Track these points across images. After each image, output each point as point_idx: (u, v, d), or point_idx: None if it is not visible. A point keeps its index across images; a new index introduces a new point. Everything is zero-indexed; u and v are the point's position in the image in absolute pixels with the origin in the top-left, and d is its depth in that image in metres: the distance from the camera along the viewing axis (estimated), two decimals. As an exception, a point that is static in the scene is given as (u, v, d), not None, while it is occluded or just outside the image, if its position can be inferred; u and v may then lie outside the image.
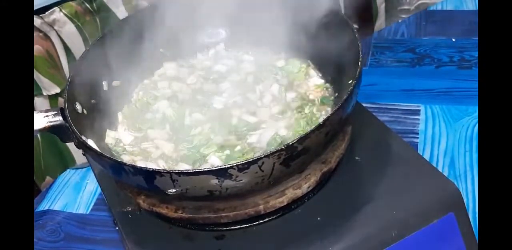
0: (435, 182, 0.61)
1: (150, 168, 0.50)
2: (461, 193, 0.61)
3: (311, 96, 0.67)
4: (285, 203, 0.58)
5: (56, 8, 0.89)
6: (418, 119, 0.92)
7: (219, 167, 0.49)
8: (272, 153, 0.49)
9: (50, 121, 0.59)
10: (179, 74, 0.74)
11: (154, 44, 0.73)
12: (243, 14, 0.73)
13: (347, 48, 0.62)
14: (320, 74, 0.70)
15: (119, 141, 0.66)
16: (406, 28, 1.12)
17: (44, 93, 0.93)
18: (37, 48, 0.88)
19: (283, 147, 0.49)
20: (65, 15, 0.89)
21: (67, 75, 0.92)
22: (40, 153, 0.98)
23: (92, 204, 0.89)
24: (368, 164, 0.64)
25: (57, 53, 0.91)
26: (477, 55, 0.65)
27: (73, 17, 0.90)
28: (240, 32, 0.76)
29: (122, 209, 0.65)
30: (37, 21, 0.87)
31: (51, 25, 0.89)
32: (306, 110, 0.65)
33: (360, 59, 0.57)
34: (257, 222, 0.60)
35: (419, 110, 0.93)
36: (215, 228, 0.61)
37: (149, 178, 0.51)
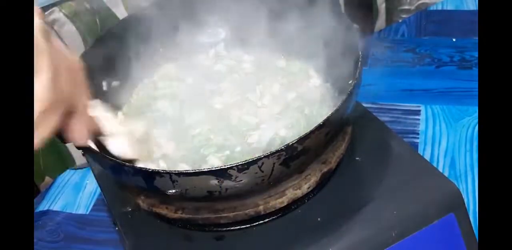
0: (436, 182, 0.61)
1: (150, 169, 0.50)
2: (462, 193, 0.61)
3: (311, 97, 0.67)
4: (285, 204, 0.58)
5: (55, 8, 0.88)
6: (419, 119, 0.91)
7: (219, 167, 0.49)
8: (272, 153, 0.49)
9: (49, 122, 0.58)
10: (179, 74, 0.74)
11: (154, 44, 0.73)
12: (243, 14, 0.73)
13: (347, 48, 0.62)
14: (320, 74, 0.70)
15: None
16: (406, 28, 1.12)
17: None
18: (37, 48, 0.88)
19: (283, 147, 0.49)
20: (65, 15, 0.89)
21: (67, 75, 0.92)
22: (39, 153, 0.98)
23: (92, 204, 0.89)
24: (368, 164, 0.64)
25: (56, 53, 0.91)
26: (477, 55, 0.65)
27: (73, 17, 0.90)
28: (240, 32, 0.76)
29: (122, 210, 0.65)
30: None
31: (50, 25, 0.89)
32: (306, 110, 0.65)
33: (360, 59, 0.57)
34: (257, 223, 0.60)
35: (420, 110, 0.93)
36: (214, 229, 0.61)
37: (148, 179, 0.51)
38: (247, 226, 0.60)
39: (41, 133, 0.42)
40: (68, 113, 0.45)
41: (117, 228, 0.66)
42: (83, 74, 0.47)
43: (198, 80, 0.72)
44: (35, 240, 0.84)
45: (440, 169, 0.80)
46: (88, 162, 0.72)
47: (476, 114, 0.89)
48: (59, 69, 0.41)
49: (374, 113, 0.71)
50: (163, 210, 0.59)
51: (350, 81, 0.59)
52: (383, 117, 0.91)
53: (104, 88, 0.68)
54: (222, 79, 0.71)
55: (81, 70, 0.46)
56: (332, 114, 0.52)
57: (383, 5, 1.21)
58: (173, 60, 0.76)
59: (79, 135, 0.48)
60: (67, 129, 0.47)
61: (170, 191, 0.52)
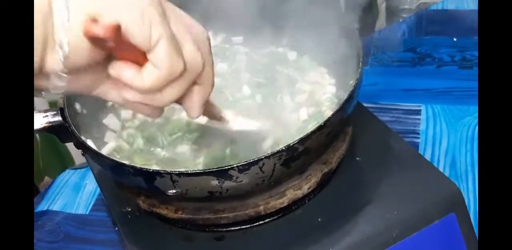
0: (436, 182, 0.61)
1: (150, 169, 0.50)
2: (462, 193, 0.61)
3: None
4: (286, 204, 0.58)
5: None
6: (419, 119, 0.91)
7: (219, 168, 0.48)
8: (273, 154, 0.49)
9: (49, 122, 0.58)
10: None
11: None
12: (245, 14, 0.73)
13: (347, 47, 0.62)
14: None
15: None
16: (407, 27, 1.12)
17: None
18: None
19: (284, 148, 0.49)
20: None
21: (67, 75, 0.92)
22: (39, 153, 0.98)
23: (91, 204, 0.89)
24: (369, 164, 0.64)
25: (56, 52, 0.91)
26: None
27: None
28: (239, 32, 0.76)
29: (122, 210, 0.65)
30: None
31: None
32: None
33: (361, 59, 0.57)
34: (257, 223, 0.60)
35: (420, 110, 0.93)
36: (215, 229, 0.60)
37: (149, 179, 0.51)
38: (248, 226, 0.60)
39: (168, 97, 0.41)
40: (192, 83, 0.44)
41: (116, 228, 0.65)
42: (209, 44, 0.45)
43: None
44: (34, 240, 0.84)
45: (441, 169, 0.79)
46: (87, 161, 0.72)
47: (477, 114, 0.89)
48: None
49: (374, 113, 0.71)
50: (163, 210, 0.59)
51: (351, 82, 0.58)
52: (384, 117, 0.91)
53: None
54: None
55: (207, 39, 0.45)
56: (333, 115, 0.51)
57: (384, 5, 1.21)
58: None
59: (194, 105, 0.46)
60: (185, 98, 0.45)
61: (171, 191, 0.52)
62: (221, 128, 0.56)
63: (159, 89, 0.41)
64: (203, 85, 0.45)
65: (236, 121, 0.56)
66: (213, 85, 0.46)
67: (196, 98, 0.45)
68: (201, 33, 0.44)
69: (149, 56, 0.39)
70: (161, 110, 0.45)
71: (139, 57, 0.39)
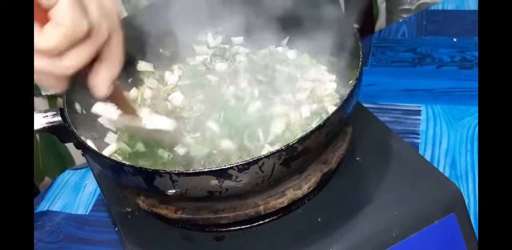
0: (436, 182, 0.61)
1: (150, 169, 0.50)
2: (462, 193, 0.61)
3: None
4: (285, 204, 0.58)
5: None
6: (419, 119, 0.91)
7: (219, 168, 0.49)
8: (273, 153, 0.49)
9: (49, 122, 0.58)
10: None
11: (153, 44, 0.73)
12: (245, 14, 0.73)
13: (347, 48, 0.62)
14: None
15: None
16: (407, 28, 1.12)
17: (43, 94, 0.93)
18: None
19: (283, 147, 0.49)
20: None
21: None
22: (39, 153, 0.98)
23: (92, 204, 0.89)
24: (368, 164, 0.64)
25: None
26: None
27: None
28: (239, 32, 0.76)
29: (122, 210, 0.65)
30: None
31: None
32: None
33: (360, 59, 0.57)
34: (257, 223, 0.60)
35: (420, 110, 0.93)
36: (215, 229, 0.60)
37: (148, 179, 0.51)
38: (247, 226, 0.60)
39: (71, 62, 0.39)
40: (98, 56, 0.42)
41: (116, 229, 0.65)
42: (118, 18, 0.43)
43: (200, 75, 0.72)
44: (34, 241, 0.84)
45: (441, 169, 0.79)
46: (87, 162, 0.72)
47: (477, 114, 0.89)
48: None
49: (374, 114, 0.71)
50: (163, 210, 0.59)
51: (351, 81, 0.58)
52: (384, 118, 0.91)
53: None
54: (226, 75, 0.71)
55: (116, 13, 0.43)
56: (332, 114, 0.51)
57: (384, 5, 1.21)
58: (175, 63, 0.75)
59: (101, 82, 0.44)
60: (91, 73, 0.43)
61: (170, 191, 0.52)
62: (135, 125, 0.57)
63: (62, 52, 0.39)
64: (110, 61, 0.43)
65: (150, 119, 0.57)
66: (121, 63, 0.44)
67: (102, 74, 0.44)
68: (110, 5, 0.42)
69: (50, 13, 0.38)
70: (65, 82, 0.42)
71: (42, 16, 0.38)
